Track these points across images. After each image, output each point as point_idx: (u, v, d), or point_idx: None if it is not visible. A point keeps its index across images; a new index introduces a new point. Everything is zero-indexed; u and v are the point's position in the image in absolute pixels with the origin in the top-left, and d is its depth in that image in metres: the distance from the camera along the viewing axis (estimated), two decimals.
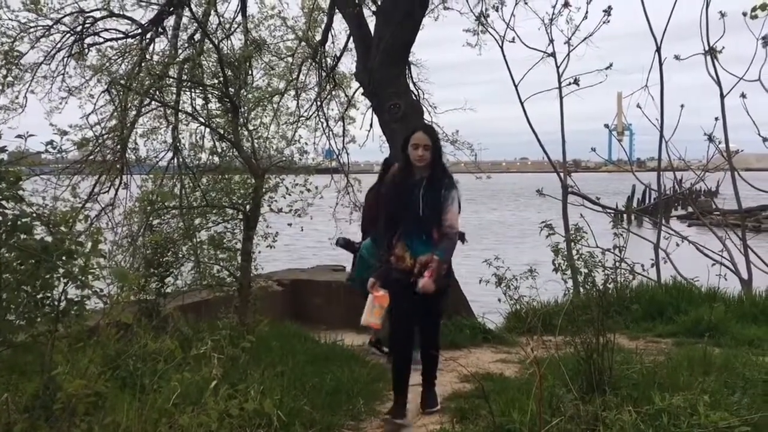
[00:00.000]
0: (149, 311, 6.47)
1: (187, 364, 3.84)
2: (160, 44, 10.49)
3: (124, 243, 8.84)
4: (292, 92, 12.28)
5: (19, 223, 3.11)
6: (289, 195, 7.55)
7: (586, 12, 9.66)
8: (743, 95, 9.80)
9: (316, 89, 12.84)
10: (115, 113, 9.79)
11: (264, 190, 7.10)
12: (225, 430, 3.48)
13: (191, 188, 9.20)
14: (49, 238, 3.17)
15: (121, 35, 10.24)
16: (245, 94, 8.28)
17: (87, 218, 7.84)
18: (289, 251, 20.39)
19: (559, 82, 10.10)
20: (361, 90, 10.07)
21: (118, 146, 9.86)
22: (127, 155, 10.00)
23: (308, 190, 7.77)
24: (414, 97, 10.21)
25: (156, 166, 10.24)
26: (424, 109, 10.75)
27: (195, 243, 7.43)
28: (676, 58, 10.04)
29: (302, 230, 8.44)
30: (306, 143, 11.44)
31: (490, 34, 10.16)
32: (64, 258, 3.13)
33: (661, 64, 10.08)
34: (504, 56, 10.25)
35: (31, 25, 9.47)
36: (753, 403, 4.33)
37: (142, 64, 9.72)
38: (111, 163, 9.92)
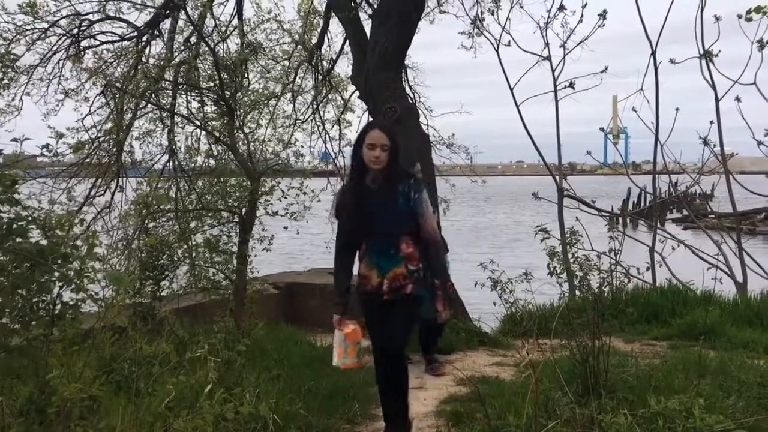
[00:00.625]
0: (144, 314, 6.46)
1: (182, 367, 3.84)
2: (156, 47, 10.54)
3: (119, 246, 8.84)
4: (288, 95, 12.34)
5: (14, 226, 3.11)
6: (285, 198, 7.56)
7: (582, 15, 9.70)
8: (738, 98, 9.83)
9: (312, 92, 12.89)
10: (111, 116, 9.80)
11: (260, 193, 7.12)
12: None
13: (187, 191, 9.22)
14: (44, 242, 3.17)
15: (117, 38, 10.26)
16: (241, 97, 8.30)
17: (83, 222, 7.83)
18: (284, 254, 20.36)
19: (555, 86, 10.13)
20: (357, 93, 10.09)
21: (114, 149, 9.86)
22: (122, 158, 10.00)
23: (304, 194, 7.80)
24: (410, 101, 10.23)
25: (152, 169, 10.24)
26: (420, 112, 10.77)
27: (190, 246, 7.44)
28: (672, 62, 10.07)
29: (298, 233, 8.46)
30: (302, 146, 11.50)
31: (486, 37, 10.21)
32: (59, 261, 3.14)
33: (656, 68, 10.12)
34: (500, 59, 10.28)
35: (28, 27, 9.49)
36: (748, 406, 4.34)
37: (138, 67, 9.73)
38: (107, 166, 9.92)
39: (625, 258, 6.62)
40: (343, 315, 4.27)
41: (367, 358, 4.57)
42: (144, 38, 10.34)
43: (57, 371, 3.21)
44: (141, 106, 9.45)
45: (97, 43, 10.22)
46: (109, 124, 9.85)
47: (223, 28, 10.70)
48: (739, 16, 8.75)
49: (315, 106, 13.01)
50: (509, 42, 10.04)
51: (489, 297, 7.70)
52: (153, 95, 9.02)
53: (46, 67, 10.00)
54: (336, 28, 11.93)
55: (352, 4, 9.55)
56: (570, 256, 5.47)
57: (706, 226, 12.55)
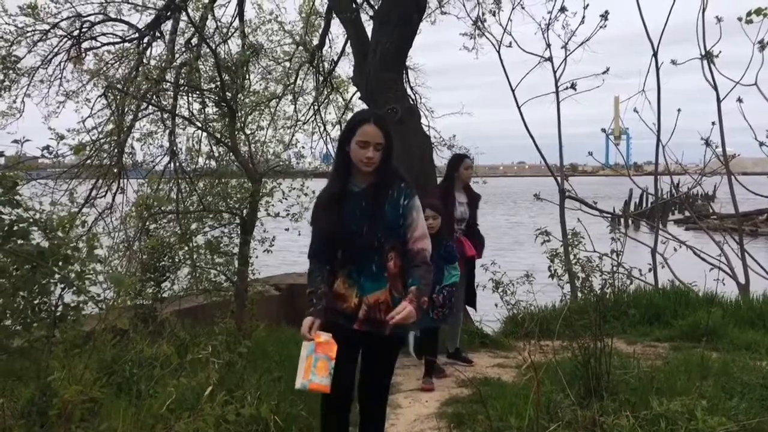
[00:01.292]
0: (146, 316, 6.47)
1: (183, 369, 3.83)
2: (158, 48, 10.55)
3: (120, 247, 8.84)
4: (290, 96, 12.34)
5: (15, 228, 3.10)
6: (286, 199, 7.55)
7: (583, 16, 9.70)
8: (740, 99, 9.81)
9: (314, 93, 12.89)
10: (112, 117, 9.80)
11: (261, 194, 7.11)
12: None
13: (188, 192, 9.22)
14: (45, 244, 3.16)
15: (119, 39, 10.27)
16: (242, 98, 8.30)
17: (84, 223, 7.85)
18: (285, 255, 20.34)
19: (556, 87, 10.13)
20: (358, 94, 10.08)
21: (115, 150, 9.86)
22: (124, 159, 10.00)
23: (305, 195, 7.79)
24: (411, 102, 10.23)
25: (153, 170, 10.24)
26: (421, 113, 10.77)
27: (191, 247, 7.43)
28: (673, 63, 10.07)
29: (299, 234, 8.45)
30: (303, 147, 11.53)
31: (487, 38, 10.21)
32: (60, 263, 3.13)
33: (657, 69, 10.11)
34: (501, 60, 10.28)
35: (29, 29, 9.51)
36: (751, 407, 4.34)
37: (139, 69, 9.74)
38: (108, 168, 9.92)
39: (626, 259, 6.62)
40: (316, 319, 3.35)
41: None
42: (145, 40, 10.34)
43: (58, 373, 3.20)
44: (142, 107, 9.45)
45: (98, 44, 10.24)
46: (110, 126, 9.86)
47: (225, 30, 10.71)
48: (740, 19, 8.74)
49: (316, 107, 13.02)
50: (510, 43, 10.05)
51: (491, 299, 7.69)
52: (154, 97, 9.02)
53: (47, 68, 10.04)
54: (337, 29, 11.96)
55: (354, 6, 9.55)
56: (572, 257, 5.46)
57: (708, 227, 12.53)
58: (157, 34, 10.39)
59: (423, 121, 10.52)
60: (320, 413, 3.54)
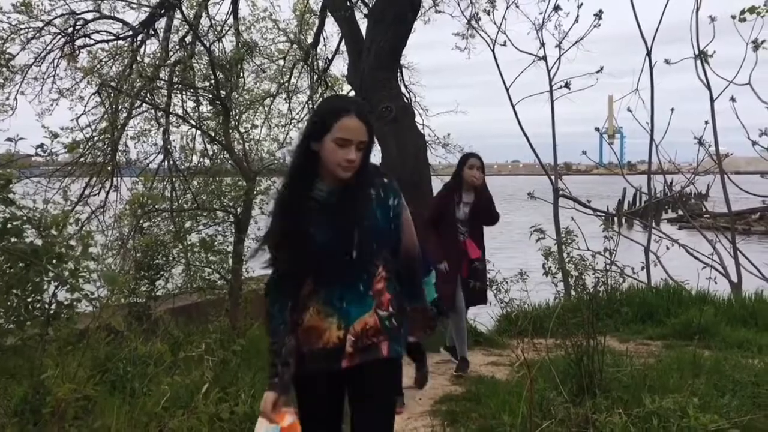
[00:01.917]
0: (139, 314, 6.47)
1: (177, 367, 3.84)
2: (151, 46, 10.52)
3: (114, 246, 8.83)
4: (284, 95, 12.31)
5: (9, 226, 3.10)
6: None
7: (577, 16, 9.73)
8: (733, 99, 9.86)
9: (308, 92, 12.86)
10: (106, 115, 9.78)
11: (255, 192, 7.11)
12: None
13: (182, 191, 9.22)
14: (39, 242, 3.16)
15: (112, 37, 10.24)
16: (236, 96, 8.29)
17: (77, 221, 7.83)
18: None
19: (550, 86, 10.15)
20: (352, 93, 10.08)
21: (109, 148, 9.85)
22: (117, 157, 9.98)
23: None
24: (405, 100, 10.23)
25: (147, 168, 10.23)
26: (416, 112, 10.78)
27: (186, 246, 7.43)
28: (667, 62, 10.10)
29: None
30: None
31: (482, 37, 10.23)
32: (54, 261, 3.13)
33: (651, 68, 10.15)
34: (495, 59, 10.31)
35: (22, 26, 9.47)
36: (742, 405, 4.36)
37: (133, 66, 9.72)
38: (101, 166, 9.90)
39: (620, 258, 6.65)
40: (281, 395, 2.50)
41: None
42: (139, 37, 10.32)
43: (52, 371, 3.21)
44: (136, 105, 9.44)
45: (92, 42, 10.20)
46: (104, 124, 9.84)
47: (219, 28, 10.69)
48: (733, 17, 8.78)
49: (310, 106, 12.99)
50: (505, 42, 10.07)
51: None
52: (148, 94, 9.02)
53: (40, 66, 10.01)
54: (332, 27, 11.93)
55: (348, 4, 9.54)
56: (565, 255, 5.48)
57: (701, 225, 12.59)
58: (151, 31, 10.37)
59: (417, 119, 10.53)
60: None
